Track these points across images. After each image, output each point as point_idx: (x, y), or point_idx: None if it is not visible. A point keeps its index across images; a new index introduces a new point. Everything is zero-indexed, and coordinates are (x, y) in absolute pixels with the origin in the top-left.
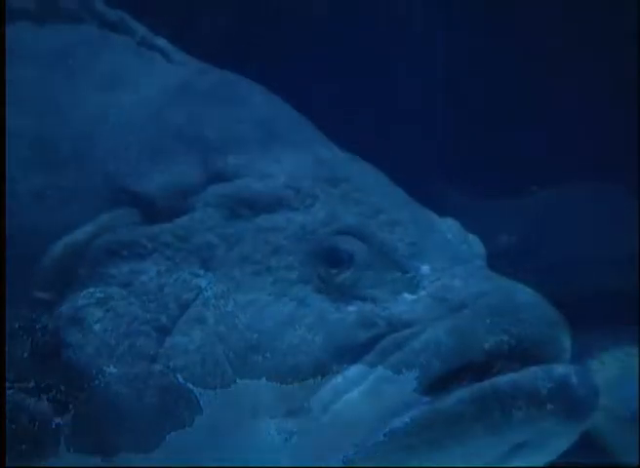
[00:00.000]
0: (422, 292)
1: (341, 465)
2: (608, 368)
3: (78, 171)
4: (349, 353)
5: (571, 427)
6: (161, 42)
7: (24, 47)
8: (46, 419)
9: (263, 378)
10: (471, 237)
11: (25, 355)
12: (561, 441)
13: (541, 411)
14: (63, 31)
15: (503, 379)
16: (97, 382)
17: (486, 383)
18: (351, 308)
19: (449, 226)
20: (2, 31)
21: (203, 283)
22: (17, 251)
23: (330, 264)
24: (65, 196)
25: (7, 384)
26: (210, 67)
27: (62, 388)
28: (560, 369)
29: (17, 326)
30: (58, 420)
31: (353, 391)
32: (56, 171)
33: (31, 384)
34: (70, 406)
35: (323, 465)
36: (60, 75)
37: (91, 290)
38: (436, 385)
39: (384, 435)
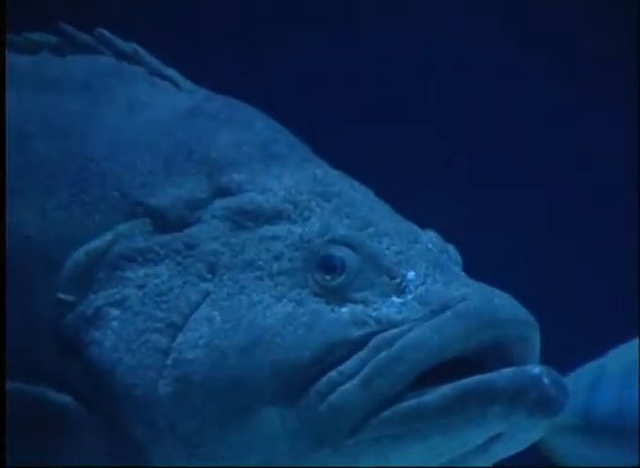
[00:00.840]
0: (409, 296)
1: (334, 450)
2: None
3: (99, 187)
4: (343, 349)
5: (541, 422)
6: (170, 72)
7: (49, 75)
8: (70, 411)
9: (266, 370)
10: (449, 246)
11: (50, 352)
12: (532, 434)
13: (516, 408)
14: (83, 62)
15: (482, 377)
16: (115, 374)
17: (466, 380)
18: (344, 309)
19: (430, 237)
20: (2, 32)
21: (210, 286)
22: (42, 256)
23: (324, 270)
24: (88, 209)
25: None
26: (216, 95)
27: (84, 382)
28: (534, 369)
29: (42, 324)
30: (81, 411)
31: (347, 384)
32: (80, 187)
33: (55, 379)
34: (91, 397)
35: (318, 451)
36: (83, 101)
37: (109, 291)
38: (422, 380)
39: (374, 424)
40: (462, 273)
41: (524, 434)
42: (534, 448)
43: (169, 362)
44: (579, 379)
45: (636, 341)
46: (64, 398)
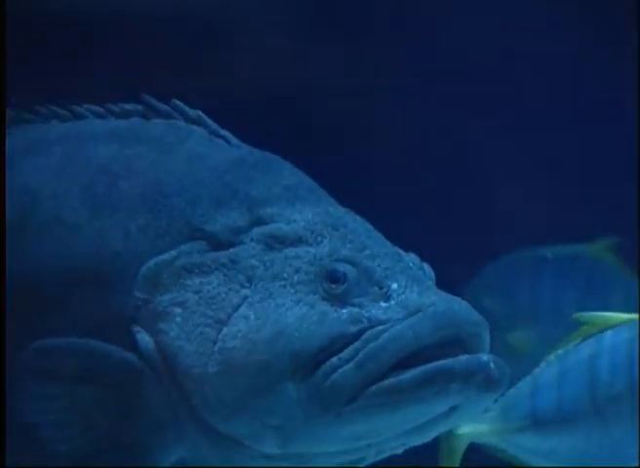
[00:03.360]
0: (392, 302)
1: (335, 415)
2: None
3: (168, 216)
4: (343, 341)
5: (488, 397)
6: (224, 132)
7: (136, 134)
8: (135, 366)
9: (286, 357)
10: (425, 265)
11: (126, 339)
12: (481, 405)
13: (469, 385)
14: (161, 124)
15: (445, 362)
16: (178, 357)
17: (433, 364)
18: (344, 310)
19: (411, 258)
20: (3, 34)
21: (248, 292)
22: (127, 266)
23: (331, 281)
24: (159, 232)
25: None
26: (256, 149)
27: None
28: (482, 357)
29: (124, 314)
30: (146, 370)
31: (345, 366)
32: (154, 215)
33: (130, 360)
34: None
35: (324, 416)
36: (159, 152)
37: (173, 294)
38: (400, 364)
39: (365, 396)
40: (434, 285)
41: (475, 405)
42: None
43: (216, 349)
44: (519, 392)
45: (551, 357)
46: (132, 356)
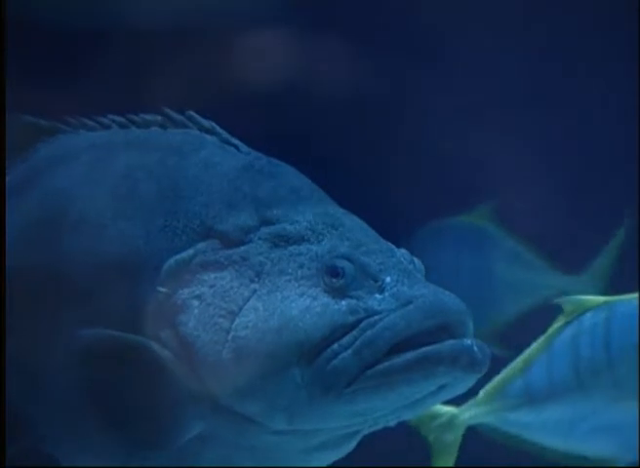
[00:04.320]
0: (386, 294)
1: (336, 396)
2: None
3: (185, 217)
4: (343, 329)
5: (473, 377)
6: (234, 140)
7: (155, 142)
8: (158, 354)
9: (292, 345)
10: (415, 260)
11: (150, 326)
12: (466, 384)
13: (455, 367)
14: (178, 134)
15: (433, 347)
16: (195, 346)
17: (422, 350)
18: (344, 302)
19: (402, 253)
20: (3, 36)
21: (257, 286)
22: (148, 262)
23: (331, 276)
24: (177, 232)
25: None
26: (262, 155)
27: (172, 345)
28: (467, 341)
29: (144, 309)
30: (169, 356)
31: (344, 353)
32: (172, 217)
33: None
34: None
35: (326, 397)
36: (176, 158)
37: (191, 288)
38: (394, 350)
39: (362, 379)
40: (423, 278)
41: (460, 384)
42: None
43: (229, 338)
44: (512, 374)
45: (539, 339)
46: (156, 346)
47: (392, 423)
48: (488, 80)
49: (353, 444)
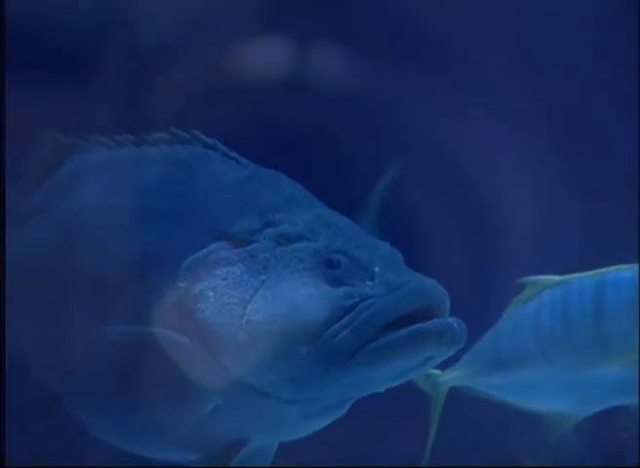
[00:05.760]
0: (376, 281)
1: (338, 369)
2: None
3: (198, 221)
4: (341, 312)
5: (452, 349)
6: (234, 154)
7: (167, 158)
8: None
9: (299, 327)
10: (395, 251)
11: (172, 316)
12: (447, 355)
13: (441, 341)
14: (183, 149)
15: (421, 325)
16: (213, 330)
17: (412, 327)
18: (341, 289)
19: (385, 245)
20: (3, 36)
21: (265, 277)
22: (168, 260)
23: (328, 267)
24: (192, 234)
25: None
26: (260, 167)
27: (192, 331)
28: (448, 319)
29: (166, 301)
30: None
31: (344, 332)
32: (187, 221)
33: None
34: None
35: (330, 369)
36: (184, 172)
37: (207, 282)
38: (387, 328)
39: (361, 353)
40: (405, 265)
41: (443, 356)
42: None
43: (243, 322)
44: (484, 343)
45: (505, 314)
46: (180, 336)
47: (381, 390)
48: (488, 80)
49: (345, 408)
